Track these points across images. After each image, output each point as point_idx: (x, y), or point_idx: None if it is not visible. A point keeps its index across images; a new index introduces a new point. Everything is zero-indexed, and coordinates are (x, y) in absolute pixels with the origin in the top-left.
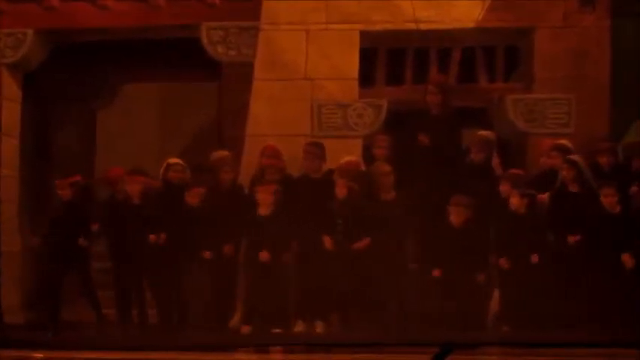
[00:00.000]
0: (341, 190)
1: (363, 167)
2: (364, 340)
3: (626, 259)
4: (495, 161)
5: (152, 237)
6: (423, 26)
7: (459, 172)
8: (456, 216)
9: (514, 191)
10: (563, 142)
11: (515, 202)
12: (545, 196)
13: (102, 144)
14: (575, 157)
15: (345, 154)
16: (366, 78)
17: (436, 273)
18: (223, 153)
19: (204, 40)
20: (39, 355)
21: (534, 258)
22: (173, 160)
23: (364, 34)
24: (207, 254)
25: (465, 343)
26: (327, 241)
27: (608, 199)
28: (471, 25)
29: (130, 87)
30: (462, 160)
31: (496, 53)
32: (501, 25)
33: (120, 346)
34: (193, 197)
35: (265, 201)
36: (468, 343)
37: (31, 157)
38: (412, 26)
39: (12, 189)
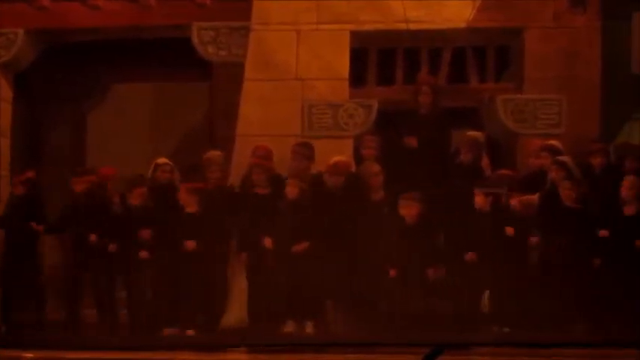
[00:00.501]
0: (292, 190)
1: (353, 167)
2: (355, 340)
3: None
4: (485, 162)
5: (93, 237)
6: (413, 26)
7: (447, 172)
8: (405, 210)
9: (477, 190)
10: (553, 142)
11: (479, 200)
12: (535, 197)
13: (93, 144)
14: (564, 157)
15: (336, 154)
16: (356, 78)
17: (392, 273)
18: (215, 153)
19: (195, 40)
20: (29, 354)
21: (470, 256)
22: (161, 161)
23: (355, 35)
24: (144, 254)
25: (456, 343)
26: (267, 242)
27: (566, 192)
28: (462, 25)
29: (122, 87)
30: (451, 161)
31: (487, 53)
32: (492, 25)
33: (111, 346)
34: (135, 198)
35: (187, 201)
36: (459, 343)
37: (23, 157)
38: (403, 26)
39: (4, 189)
